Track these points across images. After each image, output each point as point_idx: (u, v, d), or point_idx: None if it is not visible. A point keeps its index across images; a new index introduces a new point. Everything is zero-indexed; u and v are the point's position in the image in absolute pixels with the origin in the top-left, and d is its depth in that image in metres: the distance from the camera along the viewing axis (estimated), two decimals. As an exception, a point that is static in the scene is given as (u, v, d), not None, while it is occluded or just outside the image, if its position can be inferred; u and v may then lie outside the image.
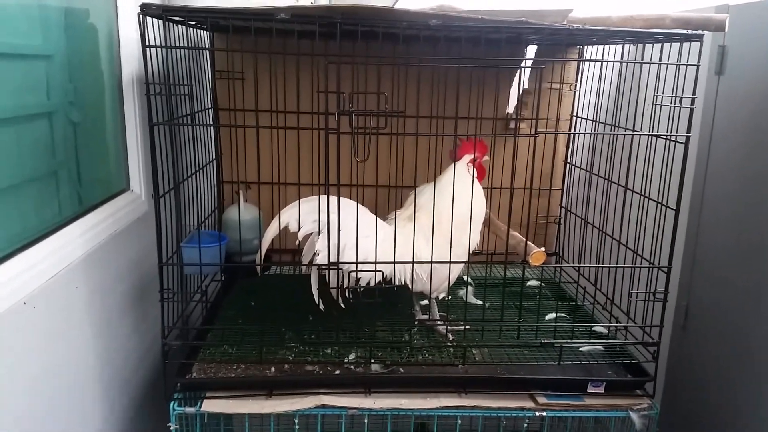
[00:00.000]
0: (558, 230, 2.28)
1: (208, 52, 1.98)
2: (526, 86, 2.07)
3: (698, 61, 1.48)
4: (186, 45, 1.66)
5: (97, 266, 1.53)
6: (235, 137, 2.06)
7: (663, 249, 1.62)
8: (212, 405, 1.50)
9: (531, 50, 2.10)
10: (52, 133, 1.47)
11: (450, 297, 1.98)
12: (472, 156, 1.73)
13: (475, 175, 1.73)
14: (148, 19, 1.37)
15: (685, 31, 1.47)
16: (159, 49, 1.42)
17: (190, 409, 1.49)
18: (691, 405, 2.11)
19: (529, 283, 2.13)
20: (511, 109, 2.15)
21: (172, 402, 1.50)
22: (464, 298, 1.98)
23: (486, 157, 1.76)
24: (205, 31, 1.95)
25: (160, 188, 1.48)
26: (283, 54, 1.49)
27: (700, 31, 1.46)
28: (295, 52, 1.42)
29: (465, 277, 2.04)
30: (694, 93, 1.50)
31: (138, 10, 1.34)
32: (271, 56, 1.51)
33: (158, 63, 1.42)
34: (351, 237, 1.55)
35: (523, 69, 2.04)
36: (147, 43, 1.36)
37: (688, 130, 1.53)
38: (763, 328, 1.76)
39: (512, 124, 2.09)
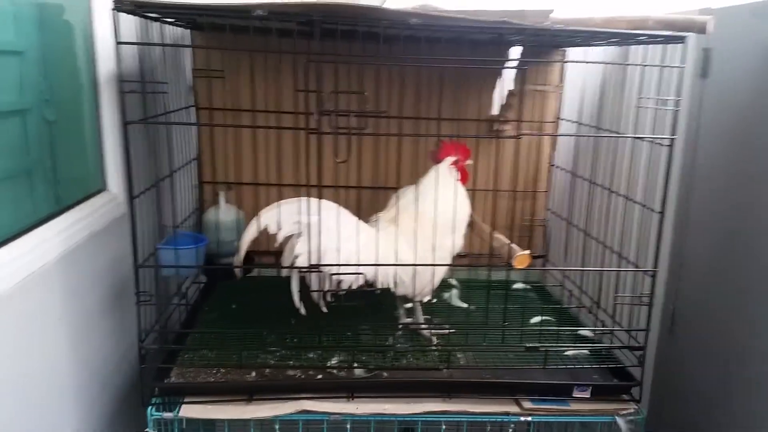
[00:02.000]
0: (544, 233, 2.26)
1: (187, 50, 1.95)
2: (510, 88, 2.05)
3: (681, 63, 1.47)
4: (163, 42, 1.63)
5: (73, 267, 1.50)
6: (215, 137, 2.03)
7: (649, 252, 1.60)
8: (191, 410, 1.47)
9: (515, 52, 2.09)
10: (26, 131, 1.43)
11: (435, 300, 1.96)
12: (455, 158, 1.71)
13: (459, 178, 1.71)
14: (124, 15, 1.34)
15: (668, 33, 1.46)
16: (135, 47, 1.39)
17: (168, 415, 1.46)
18: (678, 410, 2.09)
19: (514, 286, 2.11)
20: (495, 110, 2.13)
21: (150, 407, 1.46)
22: (449, 301, 1.96)
23: (469, 161, 1.74)
24: (186, 29, 1.92)
25: (135, 188, 1.45)
26: (264, 52, 1.47)
27: (683, 33, 1.46)
28: (275, 50, 1.40)
29: (450, 280, 2.02)
30: (678, 95, 1.50)
31: (112, 5, 1.31)
32: (252, 55, 1.49)
33: (134, 61, 1.39)
34: (332, 239, 1.53)
35: (506, 70, 2.03)
36: (119, 40, 1.33)
37: (673, 133, 1.52)
38: (750, 331, 1.75)
39: (496, 126, 2.08)
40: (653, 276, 1.60)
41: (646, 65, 1.53)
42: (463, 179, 1.74)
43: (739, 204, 1.82)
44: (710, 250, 1.96)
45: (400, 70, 1.84)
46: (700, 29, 1.43)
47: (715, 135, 1.95)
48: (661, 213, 1.56)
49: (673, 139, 1.53)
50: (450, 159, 1.70)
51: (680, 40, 1.47)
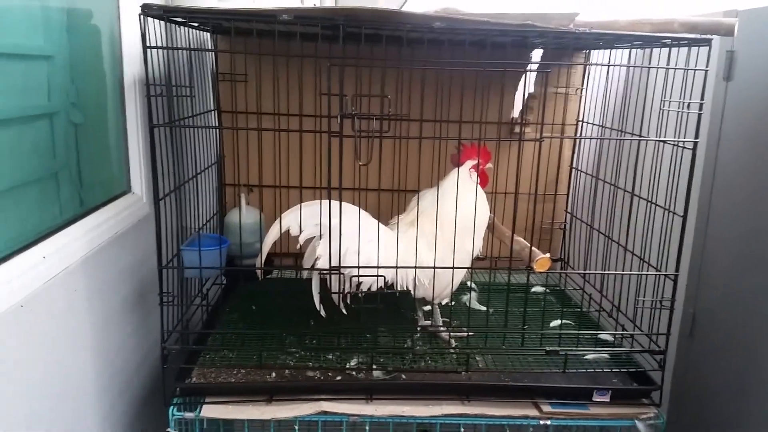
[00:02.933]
0: (563, 236, 2.25)
1: (211, 54, 1.97)
2: (531, 90, 2.05)
3: (706, 66, 1.46)
4: (188, 46, 1.65)
5: (97, 269, 1.52)
6: (238, 140, 2.05)
7: (670, 256, 1.59)
8: (212, 410, 1.48)
9: (537, 54, 2.08)
10: (53, 134, 1.46)
11: (453, 303, 1.95)
12: (475, 161, 1.71)
13: (478, 181, 1.72)
14: (150, 19, 1.36)
15: (693, 36, 1.45)
16: (161, 51, 1.41)
17: (189, 415, 1.47)
18: (698, 414, 2.08)
19: (533, 290, 2.10)
20: (516, 113, 2.13)
21: (171, 407, 1.48)
22: (468, 304, 1.96)
23: (489, 164, 1.74)
24: (208, 33, 1.94)
25: (160, 190, 1.47)
26: (287, 56, 1.48)
27: (708, 36, 1.44)
28: (298, 54, 1.41)
29: (468, 283, 2.02)
30: (702, 98, 1.48)
31: (139, 10, 1.33)
32: (275, 58, 1.50)
33: (160, 64, 1.41)
34: (353, 242, 1.54)
35: (528, 73, 2.02)
36: (147, 44, 1.35)
37: (696, 136, 1.51)
38: (771, 336, 1.73)
39: (517, 129, 2.07)
40: (674, 280, 1.59)
41: (669, 68, 1.51)
42: (483, 183, 1.74)
43: (760, 208, 1.81)
44: (730, 254, 1.94)
45: (421, 73, 1.84)
46: (727, 31, 1.42)
47: (737, 138, 1.93)
48: (684, 216, 1.55)
49: (696, 142, 1.51)
50: (470, 162, 1.70)
51: (706, 43, 1.45)
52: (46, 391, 1.30)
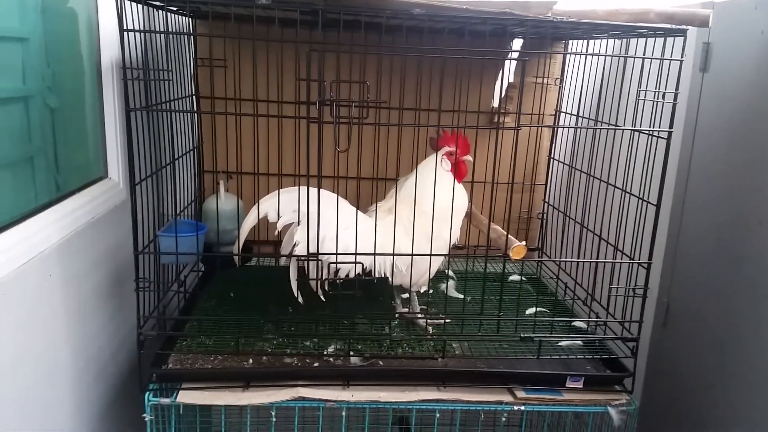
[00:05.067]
0: (540, 225, 2.28)
1: (189, 38, 1.95)
2: (510, 80, 2.06)
3: (681, 56, 1.48)
4: (167, 30, 1.64)
5: (72, 254, 1.50)
6: (216, 126, 2.04)
7: (644, 245, 1.62)
8: (188, 396, 1.48)
9: (516, 44, 2.09)
10: (28, 118, 1.44)
11: (431, 290, 1.97)
12: (451, 149, 1.71)
13: (454, 172, 1.71)
14: (128, 3, 1.34)
15: (669, 26, 1.47)
16: (139, 35, 1.40)
17: (165, 400, 1.47)
18: (670, 401, 2.12)
19: (510, 278, 2.12)
20: (496, 102, 2.14)
21: (147, 393, 1.48)
22: (445, 292, 1.98)
23: (468, 156, 1.74)
24: (187, 18, 1.93)
25: (137, 175, 1.46)
26: (266, 41, 1.47)
27: (683, 27, 1.46)
28: (278, 39, 1.40)
29: (447, 271, 2.04)
30: (677, 88, 1.50)
31: (117, -7, 1.32)
32: (254, 44, 1.50)
33: (137, 48, 1.40)
34: (330, 228, 1.54)
35: (508, 62, 2.03)
36: (125, 27, 1.34)
37: (671, 126, 1.53)
38: (742, 325, 1.77)
39: (497, 118, 2.09)
40: (648, 268, 1.61)
41: (645, 57, 1.53)
42: (460, 174, 1.73)
43: (733, 198, 1.84)
44: (704, 243, 1.97)
45: (401, 60, 1.84)
46: (702, 22, 1.44)
47: (713, 129, 1.96)
48: (657, 206, 1.57)
49: (670, 132, 1.53)
50: (446, 149, 1.71)
51: (681, 33, 1.47)
52: (19, 376, 1.29)
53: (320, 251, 1.54)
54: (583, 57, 1.95)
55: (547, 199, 2.26)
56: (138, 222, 1.49)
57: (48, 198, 1.51)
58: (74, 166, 1.67)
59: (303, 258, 1.54)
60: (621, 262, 1.65)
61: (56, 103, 1.54)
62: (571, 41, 2.10)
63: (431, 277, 1.71)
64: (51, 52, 1.52)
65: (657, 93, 1.53)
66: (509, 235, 1.66)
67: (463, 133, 1.72)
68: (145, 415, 1.47)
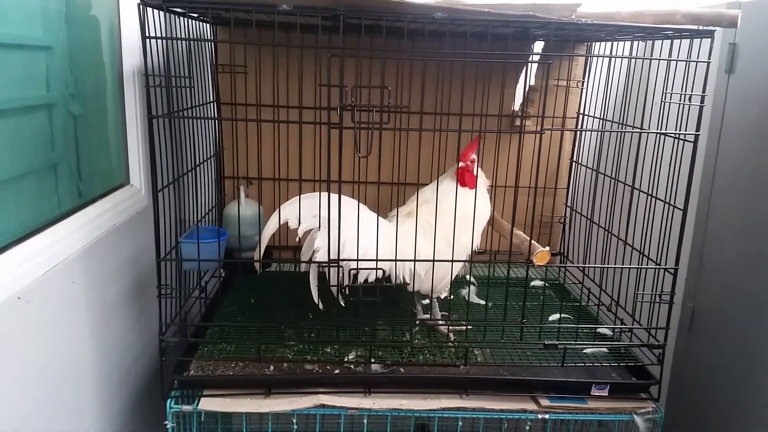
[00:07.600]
0: (563, 230, 2.25)
1: (210, 45, 1.96)
2: (532, 83, 2.04)
3: (708, 58, 1.45)
4: (188, 37, 1.64)
5: (95, 261, 1.51)
6: (237, 132, 2.04)
7: (670, 250, 1.59)
8: (209, 403, 1.48)
9: (538, 46, 2.07)
10: (51, 125, 1.45)
11: (452, 296, 1.95)
12: (466, 163, 1.67)
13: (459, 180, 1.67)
14: (149, 10, 1.35)
15: (695, 27, 1.44)
16: (160, 42, 1.40)
17: (187, 407, 1.47)
18: (697, 409, 2.08)
19: (532, 284, 2.10)
20: (517, 106, 2.12)
21: (169, 400, 1.48)
22: (467, 298, 1.96)
23: (473, 156, 1.69)
24: (208, 24, 1.93)
25: (159, 182, 1.46)
26: (286, 47, 1.47)
27: (711, 27, 1.43)
28: (298, 45, 1.40)
29: (468, 277, 2.02)
30: (703, 91, 1.47)
31: (138, 0, 1.32)
32: (274, 50, 1.49)
33: (159, 55, 1.40)
34: (351, 234, 1.53)
35: (529, 65, 2.01)
36: (147, 35, 1.34)
37: (698, 129, 1.50)
38: (771, 331, 1.73)
39: (518, 122, 2.06)
40: (674, 273, 1.58)
41: (670, 60, 1.50)
42: (471, 183, 1.69)
43: (760, 201, 1.80)
44: (731, 248, 1.93)
45: (421, 64, 1.83)
46: (730, 23, 1.40)
47: (738, 132, 1.92)
48: (684, 210, 1.54)
49: (697, 135, 1.51)
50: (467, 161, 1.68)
51: (709, 34, 1.44)
52: (43, 383, 1.29)
53: (341, 257, 1.53)
54: (606, 59, 1.92)
55: (569, 204, 2.23)
56: (160, 228, 1.49)
57: (71, 205, 1.52)
58: (96, 173, 1.68)
59: (324, 264, 1.54)
60: (647, 268, 1.62)
61: (79, 110, 1.55)
62: (594, 43, 2.07)
63: (451, 282, 1.69)
64: (74, 60, 1.53)
65: (683, 96, 1.50)
66: (532, 241, 1.64)
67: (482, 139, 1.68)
68: (166, 422, 1.47)
